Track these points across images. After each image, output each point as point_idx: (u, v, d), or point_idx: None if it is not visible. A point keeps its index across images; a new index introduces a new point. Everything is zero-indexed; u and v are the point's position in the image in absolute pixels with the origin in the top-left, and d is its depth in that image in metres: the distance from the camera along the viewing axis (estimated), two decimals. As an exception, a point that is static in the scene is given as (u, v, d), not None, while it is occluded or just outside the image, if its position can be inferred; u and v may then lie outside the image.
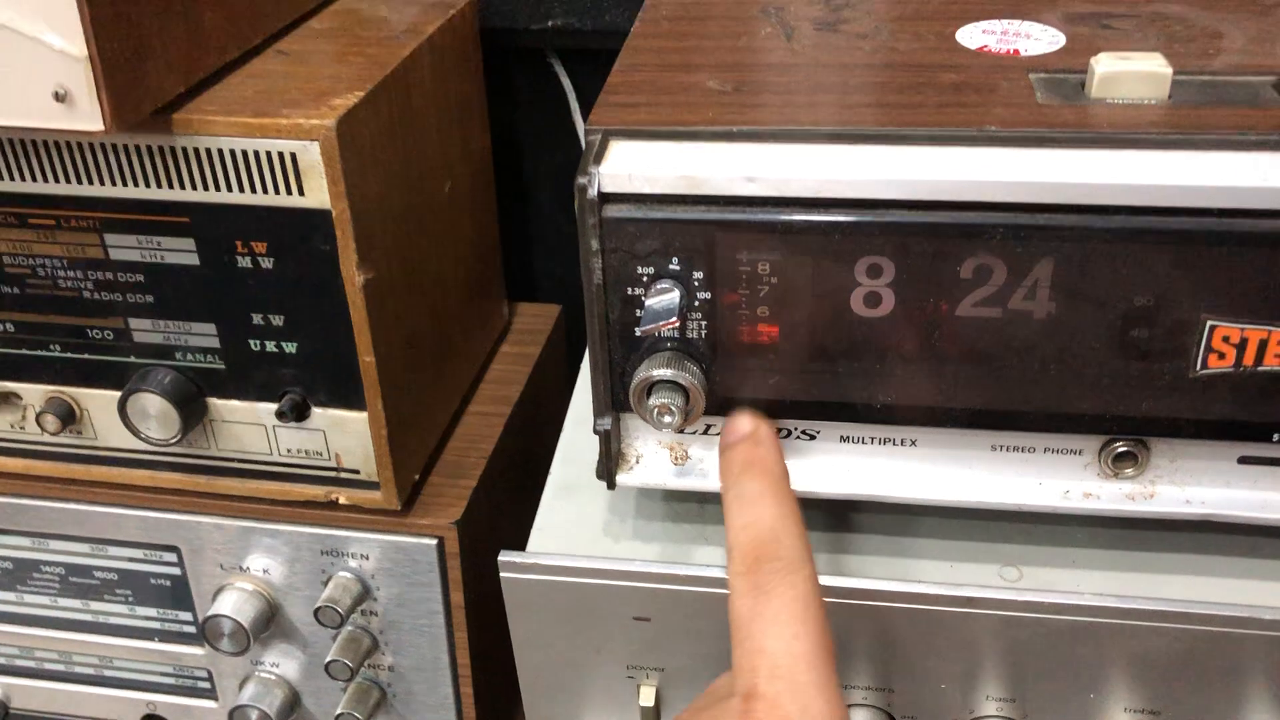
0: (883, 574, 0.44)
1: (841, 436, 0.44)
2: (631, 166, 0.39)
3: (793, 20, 0.49)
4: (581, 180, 0.39)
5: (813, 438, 0.44)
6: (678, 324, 0.40)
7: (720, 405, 0.43)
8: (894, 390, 0.42)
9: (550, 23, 0.69)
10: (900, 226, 0.38)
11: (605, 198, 0.39)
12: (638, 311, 0.41)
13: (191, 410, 0.57)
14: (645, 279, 0.40)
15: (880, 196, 0.38)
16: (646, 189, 0.39)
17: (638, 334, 0.41)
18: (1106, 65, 0.41)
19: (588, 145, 0.40)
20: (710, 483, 0.44)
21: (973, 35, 0.47)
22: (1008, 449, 0.43)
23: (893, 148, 0.39)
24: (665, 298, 0.39)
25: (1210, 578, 0.44)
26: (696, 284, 0.40)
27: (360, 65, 0.55)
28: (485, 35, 0.69)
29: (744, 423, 0.42)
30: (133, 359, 0.57)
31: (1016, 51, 0.45)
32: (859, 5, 0.51)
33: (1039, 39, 0.46)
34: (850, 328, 0.41)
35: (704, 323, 0.41)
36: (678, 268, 0.40)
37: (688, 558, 0.46)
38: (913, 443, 0.43)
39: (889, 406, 0.42)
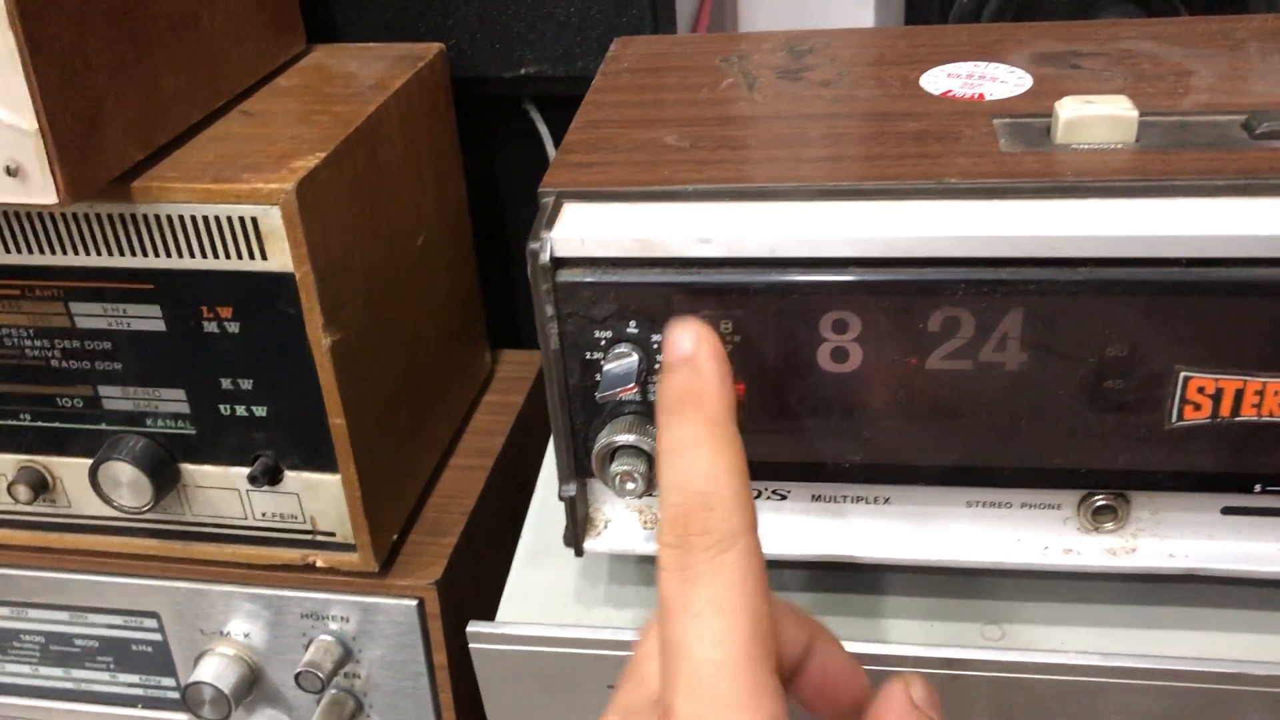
0: (860, 635, 0.43)
1: (813, 496, 0.43)
2: (584, 230, 0.38)
3: (755, 69, 0.48)
4: (533, 245, 0.38)
5: (784, 498, 0.43)
6: (636, 389, 0.39)
7: (687, 468, 0.42)
8: (864, 447, 0.41)
9: (523, 70, 0.68)
10: (859, 285, 0.37)
11: (559, 262, 0.38)
12: (597, 376, 0.40)
13: (163, 477, 0.56)
14: (603, 343, 0.39)
15: (837, 255, 0.37)
16: (600, 253, 0.38)
17: (598, 399, 0.40)
18: (1071, 110, 0.40)
19: (540, 209, 0.39)
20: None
21: (937, 80, 0.46)
22: (984, 505, 0.42)
23: (849, 203, 0.38)
24: (623, 363, 0.39)
25: (1199, 631, 0.42)
26: (655, 347, 0.39)
27: (324, 124, 0.54)
28: (458, 84, 0.68)
29: (684, 339, 0.33)
30: (104, 426, 0.57)
31: (981, 96, 0.44)
32: (823, 51, 0.50)
33: (1005, 81, 0.45)
34: (817, 385, 0.40)
35: (665, 386, 0.40)
36: (635, 331, 0.39)
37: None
38: (886, 500, 0.42)
39: (860, 464, 0.41)
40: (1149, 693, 0.42)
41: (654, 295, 0.38)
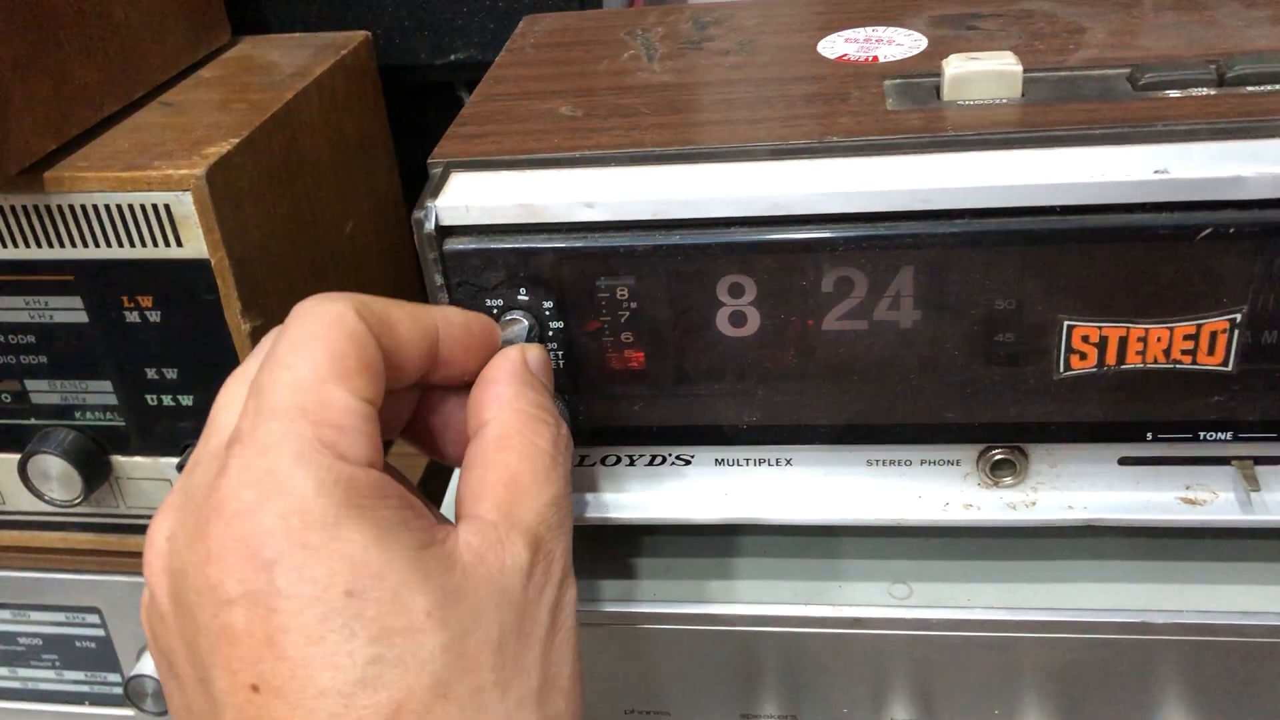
0: (769, 597, 0.43)
1: (716, 460, 0.43)
2: (469, 198, 0.38)
3: (658, 41, 0.48)
4: (418, 215, 0.38)
5: (688, 463, 0.43)
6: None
7: (588, 436, 0.42)
8: (763, 409, 0.41)
9: (453, 56, 0.68)
10: (743, 245, 0.38)
11: (445, 231, 0.39)
12: (494, 344, 0.40)
13: (93, 470, 0.56)
14: (495, 311, 0.39)
15: (720, 215, 0.37)
16: (485, 220, 0.38)
17: (494, 367, 0.40)
18: (956, 67, 0.40)
19: (429, 179, 0.40)
20: (595, 512, 0.43)
21: (834, 45, 0.46)
22: (884, 463, 0.42)
23: (734, 164, 0.38)
24: (513, 329, 0.39)
25: (1103, 583, 0.42)
26: (548, 313, 0.39)
27: (241, 112, 0.55)
28: (390, 72, 0.69)
29: None
30: (33, 421, 0.57)
31: (875, 58, 0.44)
32: (727, 22, 0.50)
33: (900, 44, 0.45)
34: (714, 348, 0.40)
35: (561, 352, 0.40)
36: (526, 297, 0.39)
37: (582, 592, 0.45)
38: (788, 462, 0.42)
39: (759, 426, 0.41)
40: (1057, 645, 0.42)
41: (541, 261, 0.38)
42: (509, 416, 0.34)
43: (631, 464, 0.43)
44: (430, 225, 0.38)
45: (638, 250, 0.38)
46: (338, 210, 0.61)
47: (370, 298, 0.33)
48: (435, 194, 0.39)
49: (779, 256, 0.38)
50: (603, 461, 0.43)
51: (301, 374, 0.30)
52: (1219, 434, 0.39)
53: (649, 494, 0.43)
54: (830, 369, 0.40)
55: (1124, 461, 0.41)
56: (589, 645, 0.44)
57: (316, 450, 0.29)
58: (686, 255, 0.38)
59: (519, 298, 0.39)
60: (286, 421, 0.29)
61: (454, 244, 0.39)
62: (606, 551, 0.46)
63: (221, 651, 0.28)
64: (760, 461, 0.43)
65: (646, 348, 0.40)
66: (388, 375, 0.32)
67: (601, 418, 0.42)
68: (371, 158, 0.65)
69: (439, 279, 0.39)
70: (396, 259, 0.69)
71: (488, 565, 0.30)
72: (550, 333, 0.40)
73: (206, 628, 0.28)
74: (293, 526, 0.28)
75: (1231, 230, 0.35)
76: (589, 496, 0.43)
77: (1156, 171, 0.35)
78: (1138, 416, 0.39)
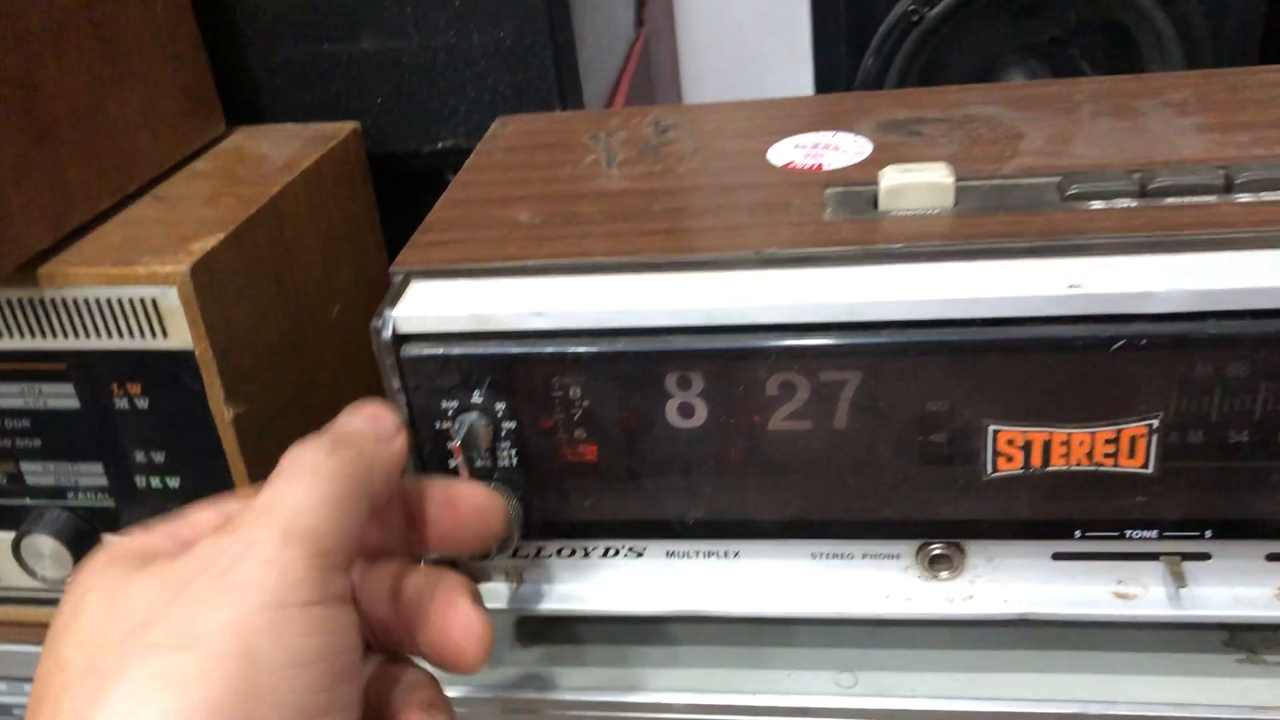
0: (717, 686, 0.45)
1: (668, 552, 0.44)
2: (425, 308, 0.40)
3: (618, 145, 0.51)
4: (376, 323, 0.40)
5: (640, 555, 0.45)
6: (486, 454, 0.41)
7: (543, 529, 0.44)
8: (708, 505, 0.43)
9: (440, 144, 0.71)
10: (683, 353, 0.39)
11: (403, 338, 0.41)
12: (449, 444, 0.42)
13: (85, 548, 0.58)
14: (450, 413, 0.41)
15: (662, 324, 0.39)
16: (439, 328, 0.40)
17: (451, 467, 0.42)
18: (890, 179, 0.42)
19: (390, 288, 0.42)
20: (552, 603, 0.45)
21: (783, 151, 0.48)
22: (827, 556, 0.44)
23: (675, 275, 0.40)
24: (466, 431, 0.41)
25: (1042, 674, 0.44)
26: (499, 414, 0.41)
27: (228, 206, 0.57)
28: (381, 160, 0.71)
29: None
30: (28, 501, 0.59)
31: (820, 166, 0.46)
32: (686, 126, 0.52)
33: (846, 150, 0.47)
34: (662, 447, 0.42)
35: (513, 450, 0.42)
36: (480, 400, 0.41)
37: (541, 681, 0.47)
38: (736, 555, 0.44)
39: (704, 521, 0.43)
40: (997, 735, 0.43)
41: (493, 366, 0.40)
42: None
43: (586, 556, 0.45)
44: (387, 334, 0.40)
45: (584, 357, 0.40)
46: (324, 295, 0.63)
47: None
48: (394, 302, 0.41)
49: (719, 363, 0.40)
50: (558, 554, 0.45)
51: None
52: (1144, 532, 0.41)
53: (603, 586, 0.45)
54: (774, 466, 0.42)
55: (1057, 557, 0.42)
56: (546, 730, 0.46)
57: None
58: (631, 361, 0.40)
59: (473, 400, 0.41)
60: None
61: (410, 350, 0.41)
62: (558, 641, 0.48)
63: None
64: (710, 554, 0.44)
65: (598, 444, 0.42)
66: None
67: (555, 512, 0.44)
68: (359, 243, 0.68)
69: (396, 382, 0.41)
70: (384, 339, 0.71)
71: None
72: (503, 432, 0.42)
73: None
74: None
75: (1144, 342, 0.37)
76: (545, 587, 0.45)
77: (1071, 286, 0.37)
78: (1066, 515, 0.41)
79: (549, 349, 0.40)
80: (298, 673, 0.30)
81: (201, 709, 0.28)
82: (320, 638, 0.30)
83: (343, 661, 0.31)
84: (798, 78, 1.05)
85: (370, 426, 0.37)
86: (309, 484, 0.33)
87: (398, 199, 0.74)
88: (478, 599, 0.37)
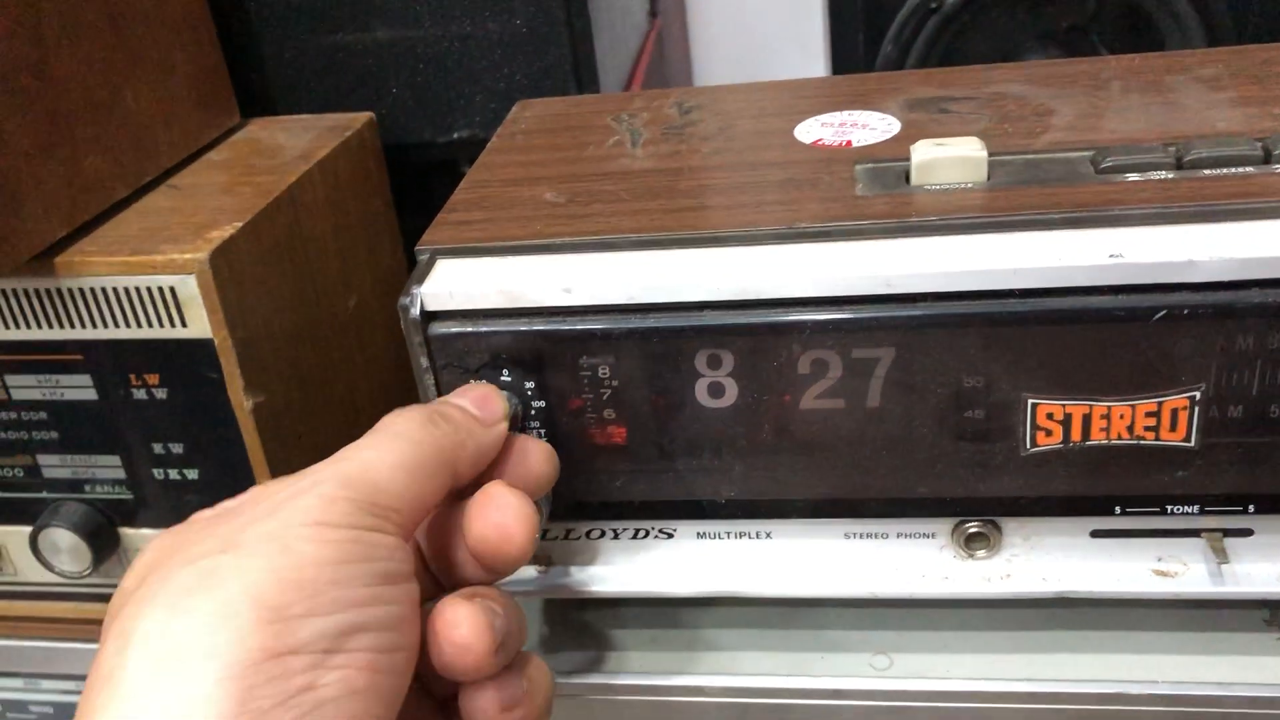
0: (750, 669, 0.44)
1: (698, 533, 0.44)
2: (452, 285, 0.40)
3: (642, 127, 0.50)
4: (404, 301, 0.40)
5: (670, 536, 0.44)
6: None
7: (573, 510, 0.43)
8: (741, 484, 0.42)
9: (455, 135, 0.70)
10: (716, 328, 0.39)
11: (430, 316, 0.40)
12: (476, 425, 0.41)
13: (102, 542, 0.58)
14: (478, 393, 0.41)
15: (692, 299, 0.39)
16: (468, 305, 0.40)
17: (479, 447, 0.41)
18: (922, 153, 0.42)
19: (416, 266, 0.41)
20: (581, 586, 0.44)
21: (810, 129, 0.47)
22: (861, 536, 0.43)
23: (706, 250, 0.40)
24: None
25: (1079, 654, 0.43)
26: (530, 393, 0.41)
27: (246, 195, 0.57)
28: (396, 151, 0.71)
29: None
30: (45, 494, 0.58)
31: (849, 143, 0.46)
32: (709, 107, 0.52)
33: (874, 128, 0.47)
34: (693, 426, 0.41)
35: (544, 430, 0.41)
36: (509, 379, 0.41)
37: (570, 664, 0.46)
38: (768, 535, 0.43)
39: (737, 501, 0.42)
40: (1035, 716, 0.43)
41: (522, 343, 0.40)
42: None
43: (616, 538, 0.44)
44: (415, 311, 0.40)
45: (614, 333, 0.39)
46: (341, 286, 0.63)
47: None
48: (421, 280, 0.40)
49: (750, 339, 0.39)
50: (587, 535, 0.44)
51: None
52: (1186, 508, 0.40)
53: (633, 567, 0.44)
54: (806, 445, 0.41)
55: (1095, 534, 0.42)
56: (574, 717, 0.45)
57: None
58: (661, 337, 0.39)
59: (502, 378, 0.41)
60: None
61: (438, 328, 0.40)
62: (591, 623, 0.47)
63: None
64: (741, 534, 0.44)
65: (628, 424, 0.42)
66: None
67: (585, 493, 0.43)
68: (375, 234, 0.67)
69: (425, 361, 0.41)
70: (399, 331, 0.71)
71: None
72: (533, 411, 0.41)
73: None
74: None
75: (1186, 312, 0.36)
76: (573, 570, 0.45)
77: (1111, 256, 0.36)
78: (1106, 491, 0.40)
79: (578, 325, 0.40)
80: (337, 569, 0.30)
81: (239, 596, 0.29)
82: (362, 547, 0.31)
83: (383, 567, 0.32)
84: (810, 68, 1.04)
85: (476, 408, 0.37)
86: (390, 446, 0.34)
87: (413, 191, 0.73)
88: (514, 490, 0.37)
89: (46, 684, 0.65)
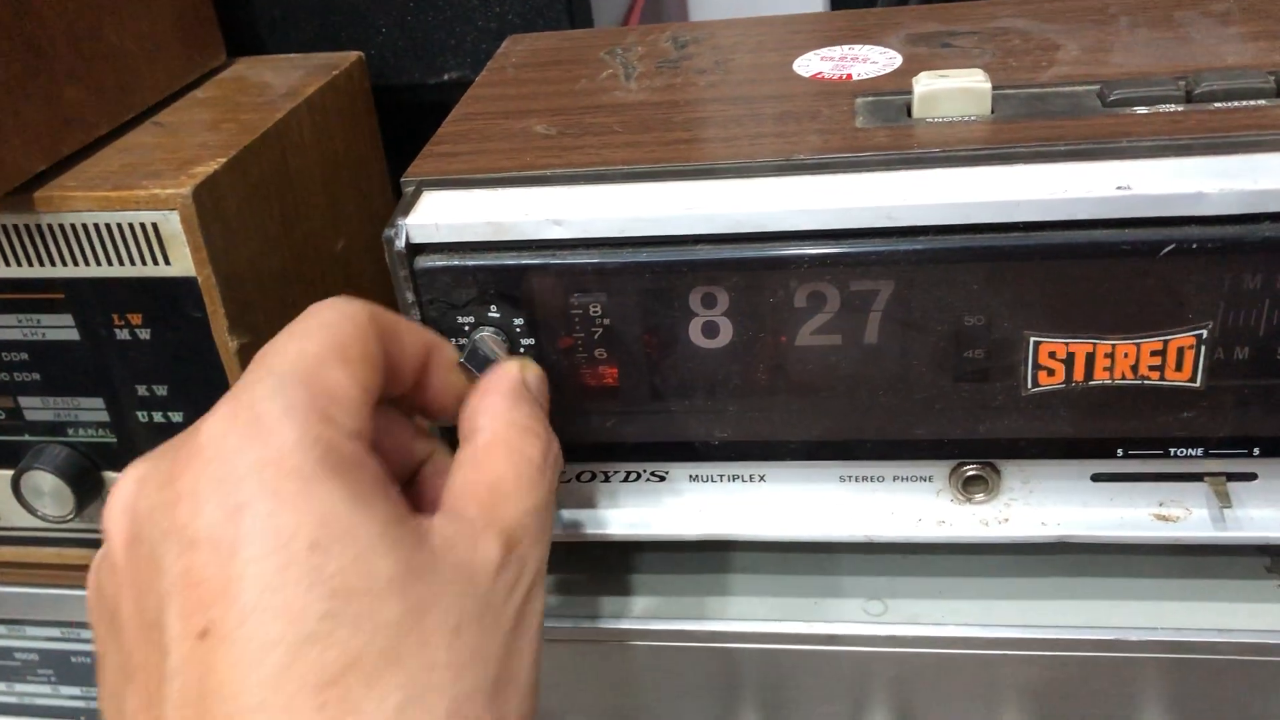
0: (743, 614, 0.43)
1: (690, 476, 0.43)
2: (438, 216, 0.39)
3: (636, 61, 0.49)
4: (389, 233, 0.39)
5: (662, 479, 0.43)
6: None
7: (563, 452, 0.42)
8: (734, 425, 0.41)
9: (445, 76, 0.69)
10: (711, 262, 0.38)
11: (416, 249, 0.39)
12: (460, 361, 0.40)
13: (86, 486, 0.57)
14: (466, 328, 0.40)
15: (686, 232, 0.38)
16: (454, 238, 0.39)
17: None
18: (925, 85, 0.40)
19: (401, 198, 0.40)
20: (572, 529, 0.43)
21: (809, 63, 0.46)
22: (856, 479, 0.42)
23: (700, 182, 0.39)
24: (486, 346, 0.39)
25: (1078, 600, 0.42)
26: (519, 330, 0.40)
27: (230, 131, 0.55)
28: (385, 92, 0.69)
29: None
30: (27, 437, 0.57)
31: (849, 76, 0.44)
32: (706, 41, 0.50)
33: (875, 62, 0.45)
34: (686, 364, 0.40)
35: (532, 369, 0.40)
36: (497, 315, 0.39)
37: (561, 609, 0.45)
38: (761, 478, 0.43)
39: (733, 442, 0.41)
40: (1033, 663, 0.42)
41: (510, 278, 0.39)
42: (501, 426, 0.35)
43: (607, 480, 0.43)
44: (400, 243, 0.39)
45: (606, 268, 0.38)
46: (329, 228, 0.62)
47: (378, 307, 0.35)
48: (406, 212, 0.39)
49: (746, 274, 0.38)
50: (578, 478, 0.43)
51: (307, 349, 0.31)
52: (1190, 450, 0.39)
53: (625, 510, 0.43)
54: (802, 385, 0.40)
55: (1096, 478, 0.41)
56: (567, 662, 0.45)
57: (307, 410, 0.29)
58: (655, 272, 0.38)
59: (489, 315, 0.40)
60: (283, 381, 0.30)
61: (424, 261, 0.39)
62: (584, 567, 0.46)
63: (178, 595, 0.28)
64: (734, 478, 0.43)
65: (619, 364, 0.41)
66: (386, 377, 0.33)
67: (576, 434, 0.42)
68: (363, 176, 0.66)
69: (410, 296, 0.39)
70: (388, 275, 0.69)
71: (456, 553, 0.31)
72: (521, 349, 0.40)
73: (168, 570, 0.28)
74: (267, 475, 0.28)
75: (1194, 246, 0.35)
76: (564, 513, 0.44)
77: (1119, 188, 0.35)
78: (1108, 433, 0.39)
79: (569, 259, 0.38)
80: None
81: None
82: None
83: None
84: (809, 5, 1.02)
85: None
86: (319, 337, 0.33)
87: (402, 134, 0.72)
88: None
89: (31, 630, 0.64)
